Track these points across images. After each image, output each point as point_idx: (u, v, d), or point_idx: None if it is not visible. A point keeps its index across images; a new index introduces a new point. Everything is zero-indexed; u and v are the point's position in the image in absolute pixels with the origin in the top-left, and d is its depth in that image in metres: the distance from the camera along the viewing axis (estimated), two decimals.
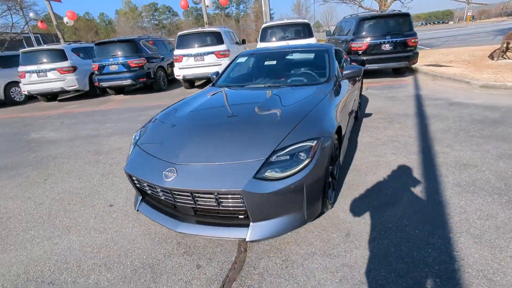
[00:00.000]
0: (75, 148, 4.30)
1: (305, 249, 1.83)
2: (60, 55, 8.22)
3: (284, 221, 1.72)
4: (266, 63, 3.30)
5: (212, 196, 1.64)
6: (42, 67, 8.13)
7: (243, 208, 1.65)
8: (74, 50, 8.64)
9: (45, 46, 8.57)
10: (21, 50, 8.35)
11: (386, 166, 2.82)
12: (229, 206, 1.67)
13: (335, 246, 1.84)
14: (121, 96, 8.82)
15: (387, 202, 2.24)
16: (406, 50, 6.90)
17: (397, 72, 7.82)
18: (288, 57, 3.31)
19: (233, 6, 71.73)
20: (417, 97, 5.42)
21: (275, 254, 1.82)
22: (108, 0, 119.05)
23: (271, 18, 13.53)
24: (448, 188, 2.35)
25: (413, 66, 8.11)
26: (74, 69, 8.27)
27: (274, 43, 7.13)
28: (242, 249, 1.88)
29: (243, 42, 10.33)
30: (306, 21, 7.25)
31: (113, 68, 8.02)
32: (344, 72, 2.80)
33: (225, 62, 7.53)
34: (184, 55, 7.71)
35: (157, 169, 1.77)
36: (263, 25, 7.41)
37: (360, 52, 6.96)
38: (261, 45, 7.23)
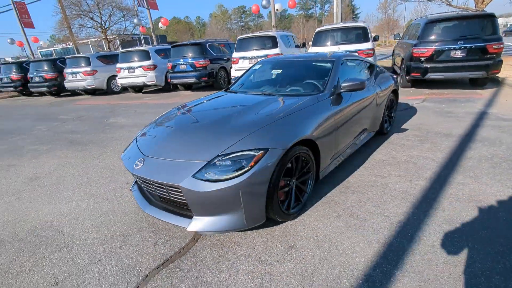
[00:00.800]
0: (132, 133, 5.21)
1: (244, 251, 1.94)
2: (146, 55, 9.80)
3: (223, 221, 1.87)
4: (273, 71, 3.38)
5: (163, 186, 1.92)
6: (132, 64, 9.87)
7: (185, 201, 1.88)
8: (158, 51, 10.16)
9: (136, 48, 10.34)
10: (120, 51, 10.30)
11: (380, 188, 2.59)
12: (176, 198, 1.93)
13: (273, 254, 1.89)
14: (188, 92, 9.96)
15: (351, 226, 2.12)
16: (484, 57, 5.76)
17: (475, 83, 6.59)
18: (295, 67, 3.31)
19: (317, 6, 70.22)
20: (480, 115, 4.55)
21: (217, 249, 1.99)
22: (205, 5, 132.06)
23: (354, 18, 12.86)
24: (431, 231, 2.06)
25: (500, 77, 6.70)
26: (154, 67, 9.75)
27: (325, 48, 6.92)
28: (195, 239, 2.11)
29: (303, 45, 10.25)
30: (362, 25, 6.77)
31: (182, 67, 9.13)
32: (343, 85, 2.68)
33: None
34: (241, 58, 8.20)
35: (134, 159, 2.15)
36: (317, 29, 7.25)
37: (422, 59, 6.15)
38: (312, 49, 7.12)
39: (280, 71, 3.33)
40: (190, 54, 9.06)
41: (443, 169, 2.86)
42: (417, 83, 7.27)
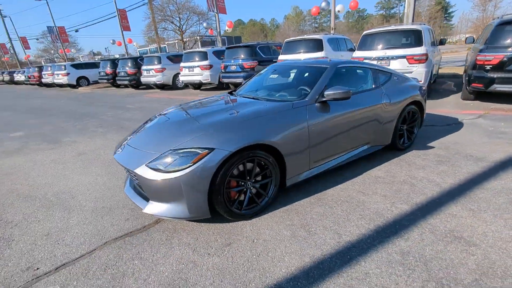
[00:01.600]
0: None
1: (188, 239, 2.12)
2: (204, 56, 10.70)
3: (170, 208, 2.08)
4: (271, 76, 3.39)
5: (130, 171, 2.24)
6: (192, 64, 10.90)
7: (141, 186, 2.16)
8: (217, 52, 10.96)
9: (196, 49, 11.35)
10: (184, 51, 11.48)
11: (353, 206, 2.42)
12: (137, 182, 2.22)
13: (209, 247, 2.02)
14: None
15: (296, 237, 2.08)
16: None
17: None
18: (294, 72, 3.25)
19: (401, 5, 63.66)
20: None
21: (168, 233, 2.22)
22: (281, 6, 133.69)
23: (447, 17, 11.42)
24: (374, 259, 1.87)
25: None
26: (210, 67, 10.56)
27: (371, 53, 6.40)
28: (157, 221, 2.38)
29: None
30: (415, 27, 5.99)
31: (233, 68, 9.66)
32: (326, 93, 2.57)
33: None
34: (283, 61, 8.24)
35: (120, 146, 2.54)
36: (364, 33, 6.73)
37: (488, 67, 5.15)
38: (356, 54, 6.67)
39: (275, 76, 3.34)
40: (241, 56, 9.51)
41: (442, 196, 2.47)
42: (483, 96, 6.11)
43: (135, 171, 2.07)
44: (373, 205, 2.40)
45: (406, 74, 5.68)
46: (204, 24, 18.48)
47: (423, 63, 5.84)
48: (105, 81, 15.43)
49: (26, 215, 2.64)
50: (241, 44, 9.78)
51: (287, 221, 2.27)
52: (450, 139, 3.86)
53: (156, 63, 12.24)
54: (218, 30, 15.85)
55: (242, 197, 2.28)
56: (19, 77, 26.19)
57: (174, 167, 1.99)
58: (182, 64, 11.24)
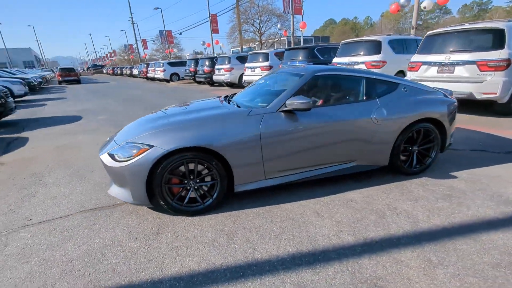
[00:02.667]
0: None
1: (131, 222, 2.40)
2: (266, 57, 10.98)
3: (122, 192, 2.40)
4: (266, 82, 3.31)
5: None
6: (254, 64, 11.33)
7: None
8: (278, 54, 11.09)
9: (259, 51, 11.70)
10: (249, 53, 12.01)
11: (295, 225, 2.23)
12: None
13: (137, 232, 2.25)
14: None
15: (215, 243, 2.09)
16: None
17: None
18: (279, 80, 3.08)
19: None
20: None
21: (124, 214, 2.55)
22: (379, 4, 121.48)
23: None
24: (251, 279, 1.71)
25: None
26: (270, 68, 10.76)
27: (431, 57, 5.34)
28: (124, 202, 2.76)
29: None
30: (497, 25, 4.66)
31: None
32: (287, 102, 2.40)
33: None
34: (338, 63, 7.68)
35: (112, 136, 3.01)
36: (428, 33, 5.62)
37: None
38: (414, 58, 5.67)
39: (269, 82, 3.27)
40: (298, 57, 9.36)
41: (407, 237, 2.01)
42: None
43: (100, 156, 2.47)
44: (316, 229, 2.16)
45: (477, 84, 4.56)
46: (278, 26, 18.81)
47: (501, 70, 4.56)
48: (189, 77, 17.57)
49: (56, 179, 3.44)
50: (299, 46, 9.61)
51: (220, 225, 2.29)
52: (490, 171, 2.98)
53: (226, 63, 13.23)
54: (292, 31, 15.86)
55: (185, 194, 2.41)
56: (135, 72, 32.37)
57: (123, 157, 2.29)
58: (246, 65, 11.82)
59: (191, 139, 2.26)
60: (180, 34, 35.20)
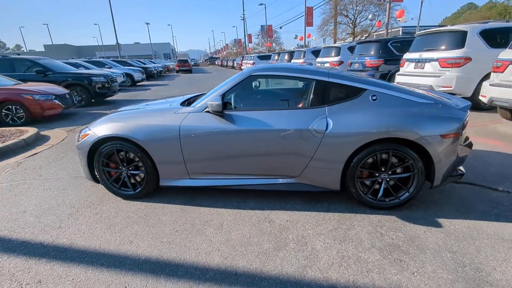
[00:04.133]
0: None
1: (81, 193, 2.83)
2: (337, 52, 10.00)
3: (83, 167, 2.85)
4: None
5: None
6: (324, 59, 10.51)
7: None
8: (350, 48, 9.92)
9: (330, 45, 10.66)
10: (322, 46, 11.16)
11: (182, 229, 2.13)
12: None
13: (73, 205, 2.64)
14: None
15: (103, 233, 2.25)
16: None
17: None
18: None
19: None
20: None
21: (89, 184, 3.02)
22: None
23: None
24: None
25: None
26: (339, 63, 9.77)
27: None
28: None
29: None
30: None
31: (356, 66, 8.45)
32: (208, 102, 2.24)
33: (451, 73, 5.14)
34: (408, 60, 6.22)
35: None
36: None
37: None
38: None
39: None
40: (369, 52, 8.10)
41: (279, 281, 1.61)
42: None
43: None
44: (201, 241, 2.00)
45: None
46: (370, 16, 16.23)
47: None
48: None
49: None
50: (371, 39, 8.26)
51: (130, 213, 2.41)
52: (498, 229, 1.94)
53: (301, 57, 12.80)
54: (387, 21, 13.66)
55: (121, 179, 2.65)
56: (234, 64, 35.38)
57: (77, 138, 2.71)
58: (317, 59, 11.11)
59: (119, 129, 2.45)
60: (281, 28, 35.88)
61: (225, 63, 44.93)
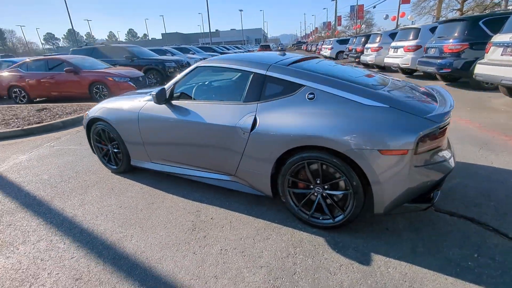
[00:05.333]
0: None
1: (73, 159, 3.42)
2: (415, 34, 8.25)
3: None
4: None
5: None
6: (399, 44, 8.83)
7: None
8: (432, 29, 7.98)
9: (408, 26, 8.70)
10: (399, 28, 9.29)
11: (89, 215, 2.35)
12: None
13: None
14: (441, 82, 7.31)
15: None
16: None
17: None
18: None
19: None
20: None
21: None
22: None
23: None
24: None
25: None
26: (416, 48, 8.03)
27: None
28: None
29: None
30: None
31: (432, 51, 6.79)
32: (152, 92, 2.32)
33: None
34: (495, 44, 4.58)
35: None
36: None
37: None
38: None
39: None
40: (453, 34, 6.35)
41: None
42: None
43: None
44: (124, 214, 2.19)
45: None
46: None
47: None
48: (345, 57, 16.27)
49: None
50: (456, 18, 6.38)
51: (100, 183, 2.80)
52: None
53: (376, 40, 11.10)
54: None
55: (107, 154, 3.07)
56: (315, 48, 33.59)
57: (84, 116, 3.26)
58: (392, 44, 9.43)
59: (100, 112, 2.83)
60: (374, 7, 31.54)
61: (310, 48, 43.25)
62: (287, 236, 1.88)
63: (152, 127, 2.49)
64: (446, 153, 1.73)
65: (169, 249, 1.82)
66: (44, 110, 6.15)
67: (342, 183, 1.75)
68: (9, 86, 7.89)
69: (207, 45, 25.22)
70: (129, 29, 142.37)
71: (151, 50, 13.73)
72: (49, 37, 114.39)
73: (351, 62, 15.77)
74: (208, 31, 39.76)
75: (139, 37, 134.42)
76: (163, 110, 2.41)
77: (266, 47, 29.78)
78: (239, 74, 2.22)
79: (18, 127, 4.87)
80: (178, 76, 2.44)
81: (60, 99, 7.69)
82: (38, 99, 8.08)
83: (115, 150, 2.96)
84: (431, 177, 1.62)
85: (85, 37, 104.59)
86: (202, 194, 2.50)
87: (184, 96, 2.48)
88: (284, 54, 2.42)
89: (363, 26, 36.72)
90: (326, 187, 1.81)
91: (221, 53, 20.04)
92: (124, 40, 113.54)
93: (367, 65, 12.48)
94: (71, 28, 35.31)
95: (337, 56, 19.95)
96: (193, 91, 2.52)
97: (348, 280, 1.51)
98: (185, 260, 1.72)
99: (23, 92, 7.82)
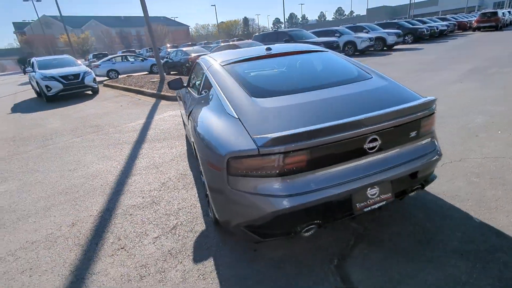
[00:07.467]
0: None
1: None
2: None
3: None
4: None
5: None
6: None
7: None
8: None
9: None
10: None
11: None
12: None
13: None
14: None
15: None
16: None
17: None
18: None
19: None
20: None
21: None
22: None
23: None
24: None
25: None
26: None
27: None
28: None
29: None
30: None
31: None
32: None
33: None
34: None
35: None
36: None
37: None
38: None
39: None
40: None
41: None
42: None
43: None
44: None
45: None
46: None
47: None
48: None
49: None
50: None
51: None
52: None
53: None
54: None
55: None
56: None
57: None
58: None
59: None
60: None
61: None
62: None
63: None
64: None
65: None
66: None
67: None
68: None
69: (402, 19, 21.42)
70: (338, 8, 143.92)
71: (322, 31, 14.29)
72: (276, 21, 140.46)
73: None
74: None
75: (345, 15, 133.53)
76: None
77: (491, 15, 20.66)
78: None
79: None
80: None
81: None
82: None
83: None
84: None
85: (300, 19, 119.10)
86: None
87: None
88: None
89: None
90: None
91: (404, 28, 16.90)
92: (332, 19, 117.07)
93: None
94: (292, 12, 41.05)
95: None
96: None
97: None
98: None
99: None
